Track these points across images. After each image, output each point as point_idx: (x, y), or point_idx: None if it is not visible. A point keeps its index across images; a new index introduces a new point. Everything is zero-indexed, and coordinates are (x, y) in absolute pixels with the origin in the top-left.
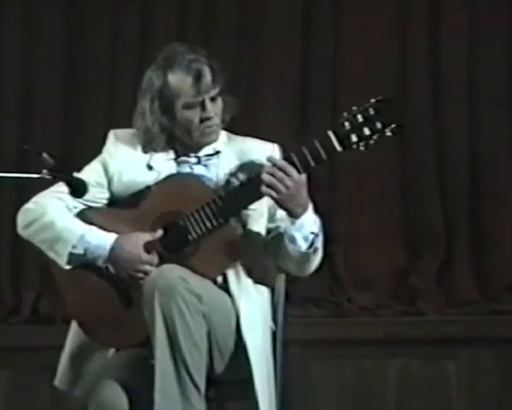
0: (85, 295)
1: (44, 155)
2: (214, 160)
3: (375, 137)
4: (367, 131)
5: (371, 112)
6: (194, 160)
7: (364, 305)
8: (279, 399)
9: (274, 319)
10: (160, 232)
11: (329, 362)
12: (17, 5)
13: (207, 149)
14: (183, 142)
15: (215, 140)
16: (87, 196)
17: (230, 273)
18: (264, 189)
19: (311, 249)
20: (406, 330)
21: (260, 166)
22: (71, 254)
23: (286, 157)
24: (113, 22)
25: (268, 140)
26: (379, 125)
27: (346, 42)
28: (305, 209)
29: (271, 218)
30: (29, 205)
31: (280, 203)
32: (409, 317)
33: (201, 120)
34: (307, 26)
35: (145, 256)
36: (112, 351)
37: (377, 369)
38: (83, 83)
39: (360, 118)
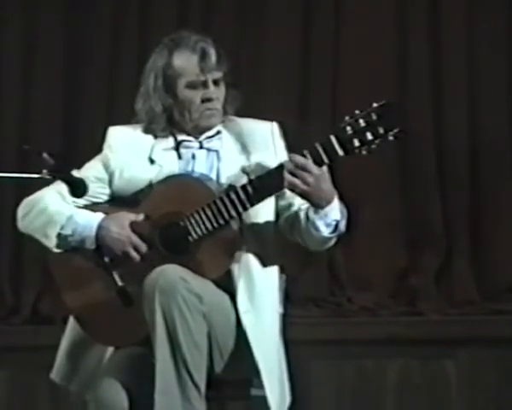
0: (85, 294)
1: (44, 154)
2: (216, 142)
3: (377, 141)
4: (369, 136)
5: (373, 117)
6: (196, 144)
7: (364, 305)
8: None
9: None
10: (141, 216)
11: (329, 362)
12: (17, 5)
13: (208, 133)
14: (182, 126)
15: (214, 125)
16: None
17: None
18: (286, 185)
19: (334, 234)
20: (406, 330)
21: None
22: (59, 236)
23: (289, 157)
24: (113, 22)
25: (266, 119)
26: (381, 130)
27: (346, 39)
28: (329, 202)
29: (282, 195)
30: (27, 198)
31: (304, 198)
32: (409, 317)
33: (202, 101)
34: (308, 25)
35: (134, 238)
36: (110, 348)
37: (377, 369)
38: (83, 83)
39: (362, 122)
